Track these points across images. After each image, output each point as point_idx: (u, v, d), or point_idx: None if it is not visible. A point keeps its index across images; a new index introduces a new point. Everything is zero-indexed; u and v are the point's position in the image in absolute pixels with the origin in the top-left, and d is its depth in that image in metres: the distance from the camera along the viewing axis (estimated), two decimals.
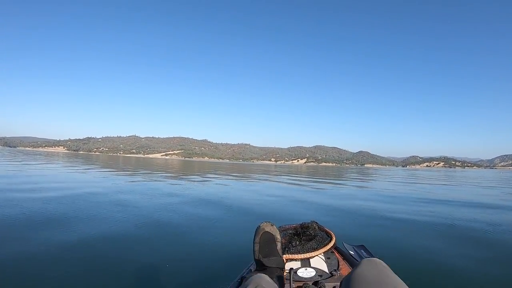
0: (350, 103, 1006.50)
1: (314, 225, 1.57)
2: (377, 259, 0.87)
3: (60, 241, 2.97)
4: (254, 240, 1.15)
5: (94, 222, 3.81)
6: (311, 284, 1.13)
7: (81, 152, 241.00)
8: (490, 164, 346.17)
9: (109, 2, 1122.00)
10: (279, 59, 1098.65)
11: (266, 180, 14.24)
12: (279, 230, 1.19)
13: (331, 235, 1.51)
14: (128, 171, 16.30)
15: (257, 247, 1.13)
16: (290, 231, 1.58)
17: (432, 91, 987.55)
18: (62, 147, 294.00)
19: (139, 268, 2.40)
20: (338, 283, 1.06)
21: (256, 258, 1.14)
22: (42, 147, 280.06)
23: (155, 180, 10.81)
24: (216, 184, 10.62)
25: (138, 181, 10.33)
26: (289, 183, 12.83)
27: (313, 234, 1.50)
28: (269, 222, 1.19)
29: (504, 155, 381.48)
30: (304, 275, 1.22)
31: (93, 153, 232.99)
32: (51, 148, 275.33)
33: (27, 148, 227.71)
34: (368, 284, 0.76)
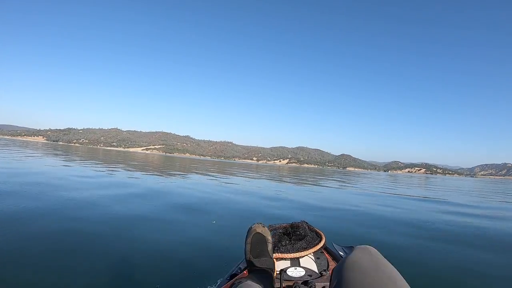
0: (334, 106, 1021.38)
1: (304, 225, 1.56)
2: (371, 247, 0.83)
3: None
4: (246, 240, 1.13)
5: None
6: (300, 283, 1.13)
7: (61, 143, 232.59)
8: (470, 172, 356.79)
9: None
10: (266, 59, 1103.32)
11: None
12: (268, 229, 1.19)
13: (321, 235, 1.50)
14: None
15: (248, 248, 1.12)
16: (280, 230, 1.57)
17: (414, 97, 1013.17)
18: (41, 137, 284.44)
19: (120, 263, 2.32)
20: (328, 283, 1.04)
21: (247, 258, 1.12)
22: (21, 136, 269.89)
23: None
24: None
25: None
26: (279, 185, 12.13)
27: (303, 234, 1.49)
28: (260, 223, 1.16)
29: (484, 164, 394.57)
30: (293, 274, 1.22)
31: (72, 144, 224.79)
32: (30, 137, 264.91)
33: (5, 137, 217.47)
34: (361, 271, 0.71)
